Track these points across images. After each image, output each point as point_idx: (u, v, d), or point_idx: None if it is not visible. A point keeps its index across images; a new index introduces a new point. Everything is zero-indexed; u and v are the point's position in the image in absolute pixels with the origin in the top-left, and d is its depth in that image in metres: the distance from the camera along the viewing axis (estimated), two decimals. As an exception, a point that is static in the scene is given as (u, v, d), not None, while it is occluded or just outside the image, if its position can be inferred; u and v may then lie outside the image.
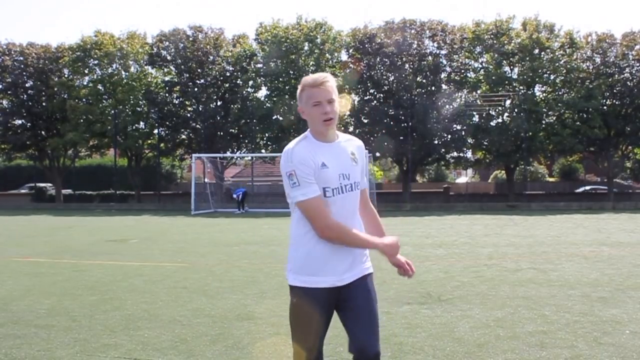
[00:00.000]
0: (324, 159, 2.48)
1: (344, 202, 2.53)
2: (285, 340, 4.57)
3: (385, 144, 29.71)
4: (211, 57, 32.08)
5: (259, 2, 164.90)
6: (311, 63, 30.94)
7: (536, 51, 29.71)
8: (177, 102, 33.66)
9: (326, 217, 2.45)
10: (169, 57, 33.04)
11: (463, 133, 30.91)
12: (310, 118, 2.49)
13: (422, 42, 31.18)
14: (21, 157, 37.81)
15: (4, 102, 34.93)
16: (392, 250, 2.63)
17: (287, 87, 30.86)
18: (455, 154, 32.86)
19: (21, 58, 33.77)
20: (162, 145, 34.07)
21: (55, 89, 33.58)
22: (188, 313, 5.48)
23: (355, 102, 31.58)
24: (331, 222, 2.45)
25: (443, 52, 31.55)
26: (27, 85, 34.11)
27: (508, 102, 31.10)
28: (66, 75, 34.03)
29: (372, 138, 30.18)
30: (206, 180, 29.91)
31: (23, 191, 39.04)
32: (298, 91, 2.53)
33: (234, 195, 27.32)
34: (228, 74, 32.50)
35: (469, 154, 34.18)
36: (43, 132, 34.61)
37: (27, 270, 8.35)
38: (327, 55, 31.44)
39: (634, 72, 29.93)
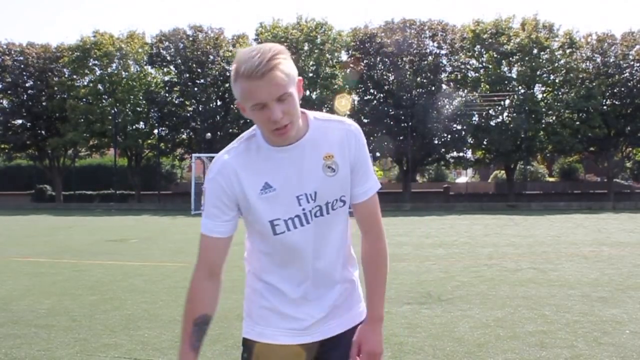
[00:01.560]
0: (268, 177, 1.62)
1: (313, 235, 1.66)
2: (285, 340, 4.57)
3: (385, 144, 29.73)
4: (211, 57, 32.10)
5: (259, 2, 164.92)
6: (311, 63, 30.94)
7: (535, 51, 29.73)
8: (177, 102, 33.68)
9: (199, 264, 1.70)
10: (168, 57, 33.08)
11: (463, 133, 30.94)
12: (255, 122, 1.58)
13: (422, 42, 31.21)
14: (21, 157, 37.82)
15: (4, 102, 34.98)
16: None
17: (287, 87, 30.90)
18: (455, 153, 32.91)
19: (21, 58, 33.82)
20: (162, 145, 34.08)
21: (55, 89, 33.62)
22: (188, 313, 5.47)
23: (355, 102, 31.60)
24: (198, 274, 1.69)
25: (443, 52, 31.60)
26: (27, 85, 34.16)
27: (508, 101, 31.12)
28: (66, 75, 34.07)
29: (372, 138, 30.21)
30: (206, 180, 29.88)
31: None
32: (231, 78, 1.55)
33: None
34: (228, 74, 32.48)
35: (469, 154, 34.21)
36: (43, 132, 34.65)
37: (27, 270, 8.35)
38: (327, 55, 31.44)
39: (634, 72, 29.96)
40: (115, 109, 32.33)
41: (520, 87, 30.55)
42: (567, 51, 30.32)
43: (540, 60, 29.66)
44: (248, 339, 1.87)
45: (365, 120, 31.31)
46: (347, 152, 1.67)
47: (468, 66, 32.03)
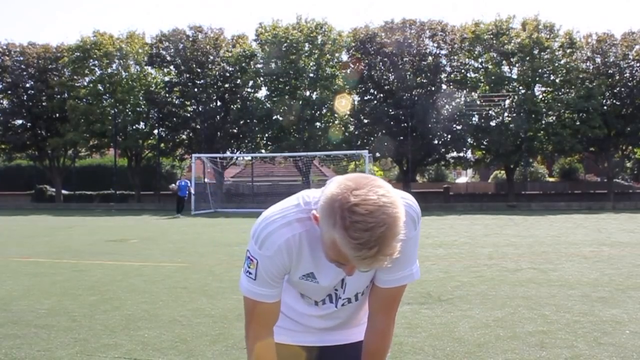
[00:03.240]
0: (316, 270, 1.57)
1: (339, 310, 1.69)
2: (285, 340, 4.57)
3: (385, 144, 29.73)
4: (211, 57, 32.10)
5: (259, 2, 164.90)
6: (311, 63, 30.94)
7: (536, 51, 29.72)
8: (177, 102, 33.68)
9: (254, 326, 1.63)
10: (168, 58, 33.07)
11: (463, 133, 30.94)
12: (327, 251, 1.40)
13: (422, 42, 31.20)
14: (21, 157, 37.82)
15: (4, 102, 34.97)
16: None
17: (287, 88, 30.88)
18: (455, 154, 32.91)
19: (21, 58, 33.81)
20: (162, 145, 34.09)
21: (55, 89, 33.60)
22: (188, 313, 5.48)
23: (355, 102, 31.60)
24: (256, 334, 1.63)
25: (443, 52, 31.59)
26: (27, 85, 34.15)
27: (508, 102, 31.10)
28: (66, 75, 34.03)
29: (372, 138, 30.23)
30: (206, 180, 29.92)
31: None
32: (332, 208, 1.32)
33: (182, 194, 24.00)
34: (228, 74, 32.50)
35: (469, 154, 34.21)
36: (43, 132, 34.63)
37: (27, 270, 8.35)
38: (327, 55, 31.44)
39: (634, 72, 29.94)
40: (115, 109, 32.33)
41: (520, 88, 30.55)
42: (568, 51, 30.32)
43: (541, 60, 29.66)
44: None
45: (365, 120, 31.32)
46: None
47: (468, 66, 32.03)
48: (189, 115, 33.38)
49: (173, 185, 24.29)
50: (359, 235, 1.26)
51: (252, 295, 1.59)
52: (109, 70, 32.99)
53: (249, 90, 32.47)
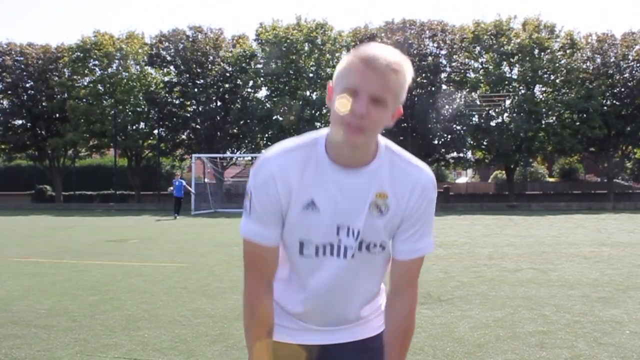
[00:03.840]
0: (315, 194, 1.47)
1: (339, 272, 1.54)
2: (285, 340, 4.57)
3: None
4: (211, 58, 32.10)
5: (259, 2, 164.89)
6: (311, 63, 30.94)
7: (536, 51, 29.73)
8: (177, 102, 33.68)
9: (250, 274, 1.57)
10: (168, 58, 33.07)
11: (463, 133, 30.94)
12: (332, 113, 1.44)
13: (422, 42, 31.22)
14: (21, 157, 37.82)
15: (4, 102, 34.97)
16: None
17: (287, 88, 30.88)
18: (455, 154, 32.90)
19: (21, 58, 33.80)
20: (162, 145, 34.09)
21: (55, 89, 33.61)
22: (188, 313, 5.48)
23: (356, 102, 31.58)
24: (250, 282, 1.56)
25: (443, 52, 31.59)
26: (27, 85, 34.15)
27: (508, 102, 31.11)
28: (66, 75, 34.03)
29: (372, 138, 30.13)
30: (206, 180, 29.92)
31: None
32: (345, 60, 1.43)
33: (177, 194, 23.12)
34: (228, 74, 32.50)
35: (469, 154, 34.20)
36: (43, 132, 34.63)
37: (27, 270, 8.35)
38: (327, 55, 31.43)
39: (634, 72, 29.94)
40: (115, 109, 32.33)
41: (520, 88, 30.55)
42: (568, 52, 30.32)
43: (541, 60, 29.66)
44: None
45: (365, 121, 31.24)
46: (406, 200, 1.50)
47: (468, 66, 32.04)
48: (189, 115, 33.39)
49: (171, 188, 24.02)
50: (368, 48, 1.39)
51: (247, 234, 1.53)
52: (109, 71, 32.98)
53: (249, 90, 32.48)
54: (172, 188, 23.75)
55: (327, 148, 1.48)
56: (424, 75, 30.81)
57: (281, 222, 1.51)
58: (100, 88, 32.97)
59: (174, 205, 23.12)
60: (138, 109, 33.21)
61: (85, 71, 33.53)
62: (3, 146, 35.31)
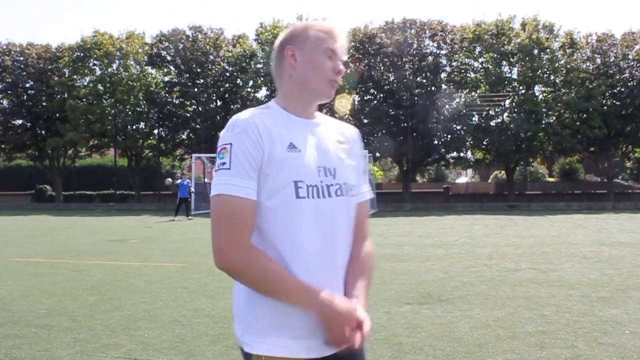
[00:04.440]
0: (293, 139, 1.57)
1: (326, 211, 1.57)
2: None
3: (386, 144, 29.71)
4: (211, 57, 32.08)
5: (259, 2, 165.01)
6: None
7: (536, 51, 29.71)
8: (177, 102, 33.67)
9: (239, 234, 1.51)
10: (168, 58, 33.06)
11: (463, 133, 30.92)
12: (312, 71, 1.63)
13: (422, 42, 31.19)
14: (21, 157, 37.81)
15: (4, 102, 34.97)
16: (336, 322, 1.50)
17: (287, 88, 30.84)
18: (455, 154, 32.88)
19: (21, 58, 33.80)
20: (162, 145, 34.09)
21: (55, 89, 33.60)
22: (188, 313, 5.48)
23: (355, 102, 31.58)
24: (244, 243, 1.50)
25: (443, 52, 31.57)
26: (27, 85, 34.14)
27: (508, 102, 31.09)
28: (66, 75, 34.02)
29: (372, 138, 30.18)
30: (206, 180, 29.91)
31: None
32: (294, 32, 1.71)
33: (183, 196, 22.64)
34: (228, 74, 32.47)
35: (469, 154, 34.18)
36: (43, 132, 34.62)
37: (27, 270, 8.35)
38: (327, 55, 31.39)
39: (634, 72, 29.93)
40: (115, 109, 32.32)
41: (520, 88, 30.53)
42: (568, 51, 30.31)
43: (541, 60, 29.64)
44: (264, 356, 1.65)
45: (365, 120, 31.27)
46: (355, 151, 1.74)
47: (468, 66, 32.02)
48: (189, 115, 33.37)
49: (169, 179, 23.36)
50: (325, 26, 1.68)
51: (228, 190, 1.50)
52: (109, 70, 32.97)
53: (249, 90, 32.44)
54: (170, 180, 23.32)
55: (283, 105, 1.66)
56: (424, 75, 30.80)
57: (257, 178, 1.53)
58: (100, 88, 32.95)
59: (177, 205, 22.95)
60: (138, 109, 33.20)
61: (86, 71, 33.52)
62: (3, 146, 35.31)
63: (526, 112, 29.37)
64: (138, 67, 33.55)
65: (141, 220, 20.71)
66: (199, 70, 32.20)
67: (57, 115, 33.88)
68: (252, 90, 32.64)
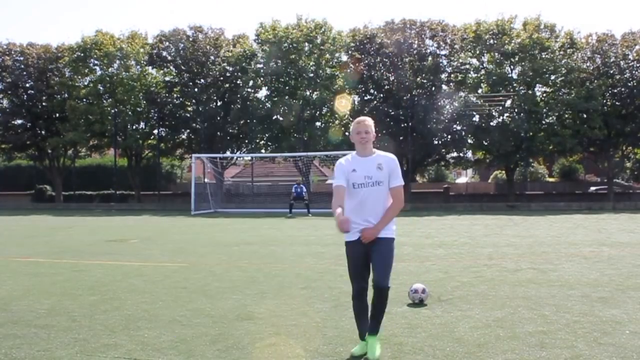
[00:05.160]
0: (355, 167, 4.15)
1: (368, 192, 4.11)
2: (285, 340, 4.57)
3: (385, 144, 29.67)
4: (211, 57, 32.06)
5: (259, 2, 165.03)
6: (311, 63, 30.90)
7: (537, 51, 29.68)
8: (177, 102, 33.65)
9: (335, 199, 4.05)
10: (169, 57, 33.02)
11: (463, 133, 30.90)
12: (354, 141, 4.20)
13: (422, 42, 31.15)
14: (21, 157, 37.81)
15: (4, 102, 34.94)
16: (337, 223, 3.85)
17: (287, 88, 30.82)
18: (455, 154, 32.85)
19: (21, 58, 33.77)
20: (162, 145, 34.08)
21: (55, 89, 33.57)
22: (188, 313, 5.48)
23: (355, 102, 31.56)
24: (334, 202, 4.04)
25: (443, 52, 31.53)
26: (27, 85, 34.11)
27: (508, 102, 31.07)
28: (66, 75, 34.00)
29: (372, 138, 30.07)
30: (206, 180, 29.92)
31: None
32: (352, 125, 4.27)
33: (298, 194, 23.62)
34: (228, 74, 32.45)
35: (469, 154, 34.16)
36: (43, 132, 34.59)
37: (27, 270, 8.35)
38: (327, 55, 31.39)
39: (634, 72, 29.91)
40: (115, 109, 32.31)
41: (521, 88, 30.50)
42: (568, 51, 30.27)
43: (541, 60, 29.61)
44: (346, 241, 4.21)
45: (365, 121, 31.18)
46: (387, 166, 4.18)
47: (468, 66, 31.97)
48: (189, 115, 33.34)
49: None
50: (358, 120, 4.31)
51: (333, 183, 4.15)
52: (110, 70, 32.96)
53: (249, 90, 32.40)
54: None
55: (357, 153, 4.24)
56: (424, 75, 30.77)
57: (345, 180, 4.12)
58: (101, 88, 32.92)
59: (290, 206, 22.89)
60: (138, 109, 33.16)
61: (86, 71, 33.50)
62: (3, 146, 35.29)
63: (526, 113, 29.35)
64: (138, 67, 33.54)
65: (141, 220, 20.72)
66: (199, 70, 32.17)
67: (57, 115, 33.85)
68: (252, 90, 32.61)
